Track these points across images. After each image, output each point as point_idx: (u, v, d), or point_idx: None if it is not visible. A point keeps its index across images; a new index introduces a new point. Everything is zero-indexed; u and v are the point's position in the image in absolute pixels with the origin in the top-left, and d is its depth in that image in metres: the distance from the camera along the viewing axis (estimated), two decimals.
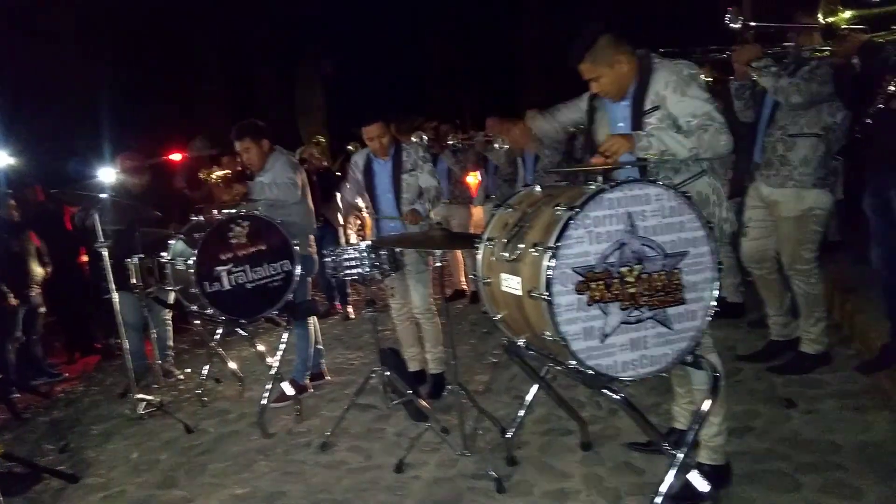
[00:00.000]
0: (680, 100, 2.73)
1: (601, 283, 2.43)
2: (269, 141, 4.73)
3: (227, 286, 4.18)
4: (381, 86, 16.39)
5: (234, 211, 4.38)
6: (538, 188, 2.85)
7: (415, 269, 4.39)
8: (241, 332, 4.43)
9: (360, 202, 4.73)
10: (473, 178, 6.95)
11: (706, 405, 2.65)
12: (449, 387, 3.98)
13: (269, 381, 4.32)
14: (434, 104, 16.56)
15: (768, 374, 3.99)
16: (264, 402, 4.27)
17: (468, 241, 3.02)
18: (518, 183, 5.45)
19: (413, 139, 4.64)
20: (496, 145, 5.17)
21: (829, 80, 3.56)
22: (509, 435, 3.41)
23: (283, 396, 4.55)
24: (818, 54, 3.48)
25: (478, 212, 7.01)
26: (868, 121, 3.28)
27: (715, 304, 2.57)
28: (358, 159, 4.64)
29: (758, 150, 3.93)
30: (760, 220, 4.00)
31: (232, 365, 5.27)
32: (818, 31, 3.35)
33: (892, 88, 3.09)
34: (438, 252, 3.46)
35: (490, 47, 17.14)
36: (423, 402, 3.95)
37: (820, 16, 3.16)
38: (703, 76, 2.96)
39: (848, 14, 3.14)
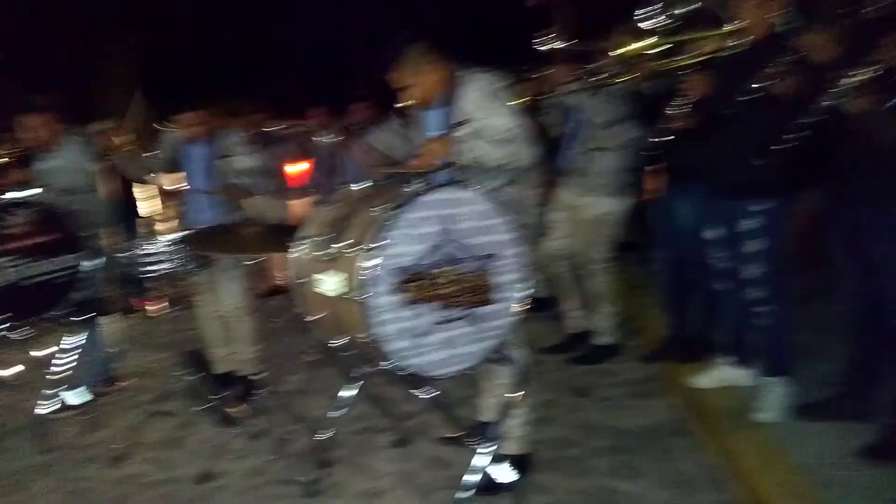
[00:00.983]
0: (489, 112, 2.80)
1: (417, 284, 2.45)
2: (60, 119, 4.22)
3: None
4: (201, 64, 15.31)
5: (8, 197, 3.84)
6: (359, 187, 2.82)
7: (226, 266, 4.15)
8: (11, 336, 3.89)
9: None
10: (295, 169, 6.70)
11: (510, 398, 2.79)
12: (260, 389, 3.82)
13: (49, 388, 3.86)
14: (255, 89, 15.79)
15: (566, 365, 4.31)
16: (42, 411, 3.80)
17: (284, 239, 2.91)
18: (338, 178, 5.38)
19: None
20: (322, 139, 5.05)
21: (625, 102, 3.94)
22: (322, 437, 3.34)
23: (66, 406, 4.09)
24: (617, 79, 3.83)
25: (298, 205, 6.79)
26: (657, 139, 3.64)
27: (522, 303, 2.70)
28: (170, 141, 4.28)
29: (563, 161, 4.25)
30: (562, 222, 4.31)
31: (2, 372, 4.65)
32: (616, 56, 3.69)
33: (675, 112, 3.45)
34: None
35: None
36: (231, 407, 3.75)
37: (615, 46, 3.51)
38: (511, 91, 3.11)
39: (639, 44, 3.51)
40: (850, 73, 2.35)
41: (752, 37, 3.08)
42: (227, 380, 4.41)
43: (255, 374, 4.29)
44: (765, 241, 3.13)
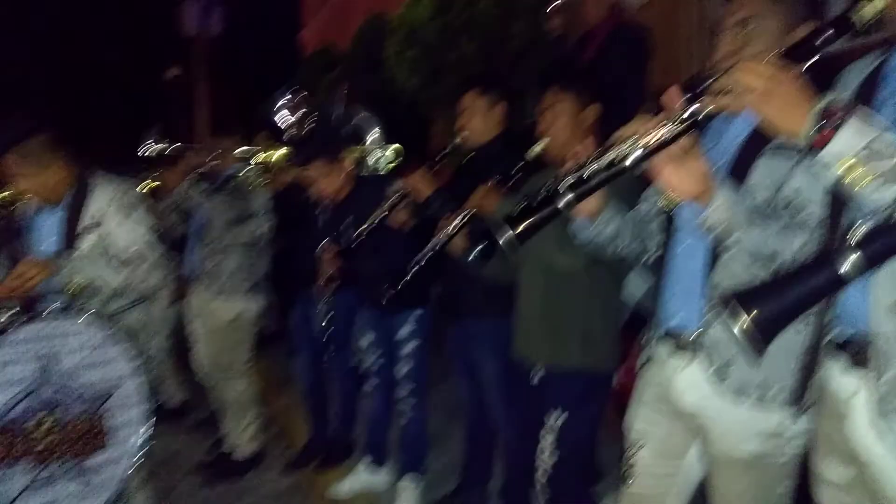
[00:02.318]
0: (122, 222, 2.58)
1: (2, 441, 2.02)
2: None
3: None
4: None
5: None
6: None
7: None
8: None
9: None
10: None
11: None
12: None
13: None
14: None
15: (201, 487, 3.97)
16: None
17: None
18: None
19: None
20: None
21: (254, 198, 3.92)
22: None
23: None
24: (246, 179, 3.84)
25: None
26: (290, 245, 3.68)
27: (143, 446, 2.42)
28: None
29: (191, 262, 4.04)
30: (202, 332, 4.06)
31: None
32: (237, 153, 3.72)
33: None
34: None
35: None
36: None
37: (258, 152, 3.53)
38: (144, 200, 2.91)
39: (281, 152, 3.58)
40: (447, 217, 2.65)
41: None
42: None
43: None
44: (417, 341, 3.35)
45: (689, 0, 5.46)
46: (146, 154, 3.50)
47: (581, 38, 4.33)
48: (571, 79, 2.48)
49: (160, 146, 3.47)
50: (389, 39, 6.18)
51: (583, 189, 1.28)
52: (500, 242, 1.24)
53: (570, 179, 1.28)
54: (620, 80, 3.80)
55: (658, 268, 1.80)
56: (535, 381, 2.46)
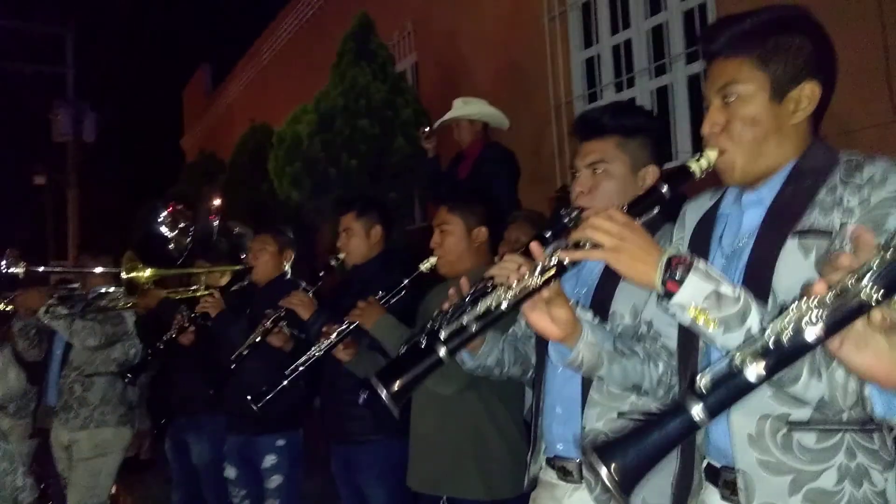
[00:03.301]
0: None
1: None
2: None
3: None
4: None
5: None
6: None
7: None
8: None
9: None
10: None
11: None
12: None
13: None
14: None
15: None
16: None
17: None
18: None
19: None
20: None
21: (120, 322, 3.72)
22: None
23: None
24: (112, 302, 3.62)
25: None
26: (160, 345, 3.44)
27: None
28: None
29: (52, 393, 3.72)
30: (67, 465, 3.71)
31: None
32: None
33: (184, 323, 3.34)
34: None
35: None
36: None
37: (123, 272, 3.35)
38: None
39: (149, 272, 3.42)
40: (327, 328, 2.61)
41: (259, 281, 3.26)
42: None
43: None
44: (281, 475, 3.17)
45: (552, 122, 5.92)
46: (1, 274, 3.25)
47: (455, 158, 4.56)
48: (459, 200, 2.57)
49: (16, 269, 3.23)
50: (273, 152, 6.21)
51: (463, 337, 1.31)
52: (384, 398, 1.21)
53: (449, 328, 1.31)
54: (495, 194, 3.99)
55: (536, 387, 1.83)
56: None
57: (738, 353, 0.91)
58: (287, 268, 3.29)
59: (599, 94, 5.89)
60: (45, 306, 3.44)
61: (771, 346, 0.89)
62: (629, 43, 5.65)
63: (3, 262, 3.28)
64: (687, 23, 5.19)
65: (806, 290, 0.89)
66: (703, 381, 0.95)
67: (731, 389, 0.94)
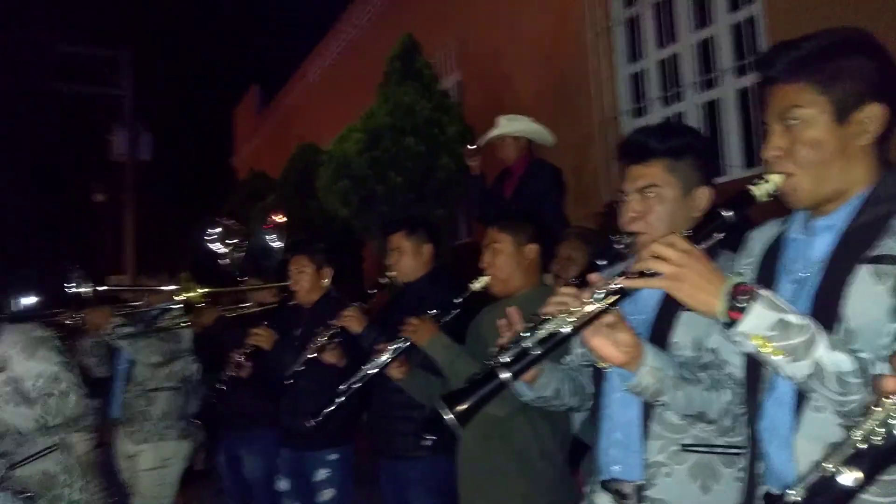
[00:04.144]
0: (26, 362, 2.54)
1: None
2: None
3: None
4: None
5: None
6: None
7: None
8: None
9: None
10: None
11: None
12: None
13: None
14: None
15: None
16: None
17: None
18: None
19: None
20: None
21: (180, 339, 3.83)
22: None
23: None
24: (173, 320, 3.74)
25: None
26: (222, 386, 3.56)
27: None
28: None
29: (116, 407, 3.85)
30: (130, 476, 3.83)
31: None
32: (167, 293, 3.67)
33: (239, 359, 3.45)
34: None
35: None
36: None
37: (179, 293, 3.48)
38: (54, 340, 2.80)
39: (201, 291, 3.53)
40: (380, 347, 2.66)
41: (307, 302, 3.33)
42: None
43: None
44: (333, 489, 3.22)
45: (596, 137, 5.91)
46: (69, 293, 3.39)
47: (500, 175, 4.57)
48: (508, 218, 2.58)
49: (83, 289, 3.37)
50: (321, 171, 6.34)
51: (525, 362, 1.32)
52: (448, 420, 1.24)
53: (508, 355, 1.31)
54: (543, 211, 4.00)
55: (594, 414, 1.82)
56: None
57: (829, 462, 0.91)
58: (327, 283, 3.34)
59: (646, 108, 5.87)
60: (112, 325, 3.58)
61: (864, 449, 0.89)
62: (676, 57, 5.63)
63: (72, 284, 3.42)
64: (735, 36, 5.15)
65: (879, 386, 0.90)
66: (797, 492, 0.92)
67: (830, 499, 0.92)
